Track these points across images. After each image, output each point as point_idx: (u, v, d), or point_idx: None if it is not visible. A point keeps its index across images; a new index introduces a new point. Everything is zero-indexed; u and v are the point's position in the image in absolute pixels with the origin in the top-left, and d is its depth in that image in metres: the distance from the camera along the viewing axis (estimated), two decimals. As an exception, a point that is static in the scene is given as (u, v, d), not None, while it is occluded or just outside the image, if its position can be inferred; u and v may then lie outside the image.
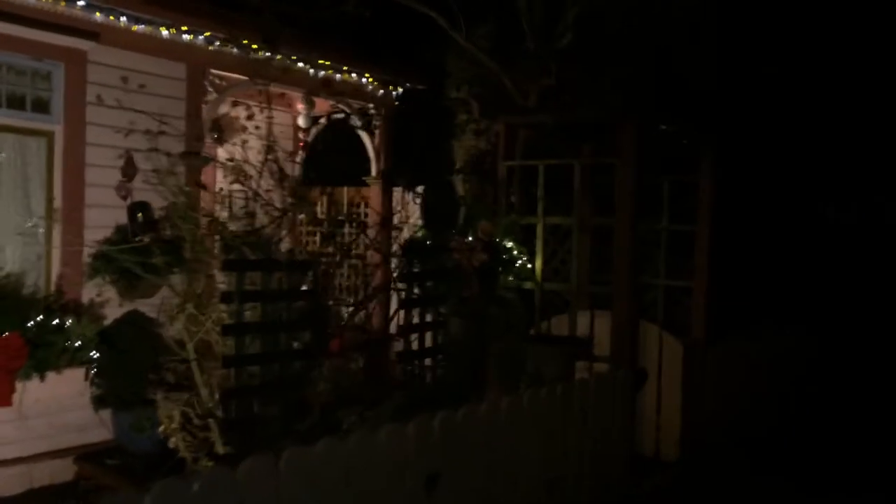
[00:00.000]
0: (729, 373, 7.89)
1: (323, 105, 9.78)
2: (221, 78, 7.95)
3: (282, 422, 3.39)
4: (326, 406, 4.62)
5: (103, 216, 6.93)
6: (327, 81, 8.60)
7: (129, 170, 7.09)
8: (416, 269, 4.51)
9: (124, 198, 6.88)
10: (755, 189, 9.06)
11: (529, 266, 6.04)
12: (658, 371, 7.15)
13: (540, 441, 4.77)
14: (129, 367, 6.49)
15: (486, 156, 7.63)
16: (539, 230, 6.20)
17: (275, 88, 8.82)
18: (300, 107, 8.66)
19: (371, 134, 9.57)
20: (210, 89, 7.87)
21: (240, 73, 8.03)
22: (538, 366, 5.42)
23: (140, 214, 7.19)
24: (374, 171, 9.61)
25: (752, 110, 7.94)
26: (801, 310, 9.49)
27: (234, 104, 7.42)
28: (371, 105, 9.52)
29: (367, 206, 9.79)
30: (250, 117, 9.79)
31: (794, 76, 8.74)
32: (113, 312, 6.90)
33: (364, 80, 9.12)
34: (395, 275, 4.52)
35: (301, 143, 8.72)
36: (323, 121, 10.37)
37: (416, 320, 5.58)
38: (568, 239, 7.83)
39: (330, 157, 10.46)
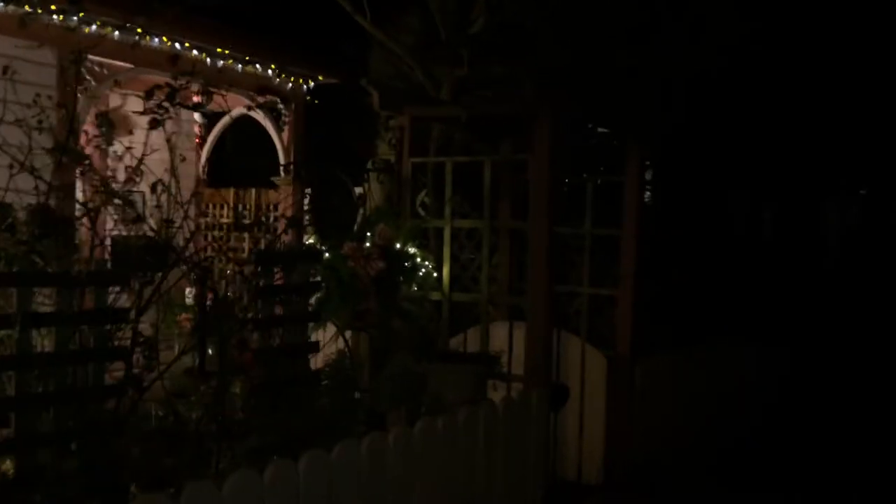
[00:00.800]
0: (663, 387, 7.37)
1: (232, 100, 9.04)
2: (101, 65, 7.16)
3: (92, 475, 2.70)
4: (206, 438, 3.93)
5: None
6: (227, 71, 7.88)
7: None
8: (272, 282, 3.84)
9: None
10: (696, 191, 8.60)
11: (436, 274, 5.42)
12: (581, 387, 6.60)
13: (439, 478, 4.14)
14: None
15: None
16: (446, 234, 5.58)
17: (165, 79, 8.05)
18: (196, 99, 7.88)
19: (279, 131, 8.85)
20: (88, 77, 7.06)
21: (122, 61, 7.30)
22: (441, 389, 4.79)
23: None
24: (283, 171, 8.90)
25: (690, 105, 7.44)
26: (749, 318, 9.05)
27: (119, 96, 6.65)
28: (279, 100, 8.81)
29: (275, 208, 9.07)
30: (145, 112, 9.07)
31: (734, 70, 8.26)
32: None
33: (270, 72, 8.41)
34: (234, 292, 3.81)
35: (197, 140, 7.96)
36: (229, 117, 9.63)
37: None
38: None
39: (239, 156, 9.74)
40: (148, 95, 3.86)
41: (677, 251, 7.98)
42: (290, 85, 8.65)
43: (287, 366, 3.74)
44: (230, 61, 7.95)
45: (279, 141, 8.83)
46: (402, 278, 5.20)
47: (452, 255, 7.25)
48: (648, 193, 8.72)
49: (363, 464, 3.62)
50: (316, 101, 9.08)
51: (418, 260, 5.29)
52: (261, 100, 8.74)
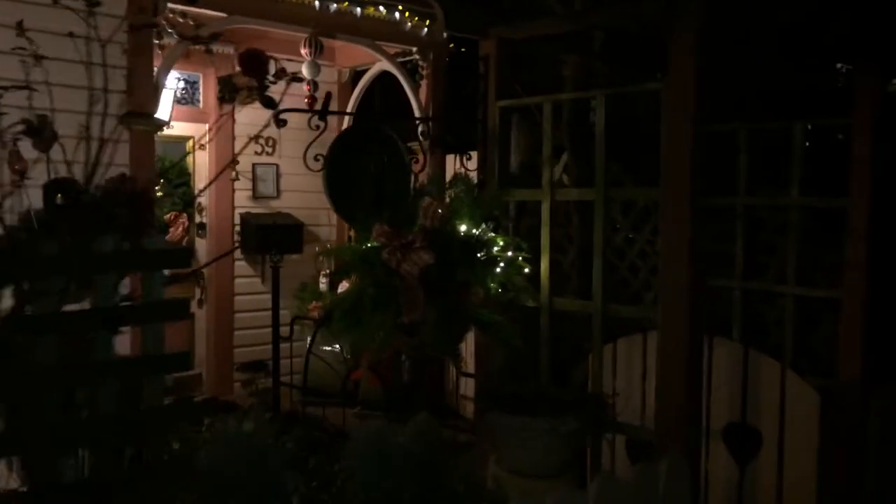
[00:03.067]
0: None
1: (357, 53, 7.74)
2: (185, 14, 6.08)
3: None
4: None
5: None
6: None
7: (42, 137, 5.40)
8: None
9: (21, 173, 5.14)
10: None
11: (527, 270, 3.67)
12: (780, 432, 4.52)
13: None
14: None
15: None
16: (544, 212, 3.79)
17: (271, 30, 6.91)
18: (304, 52, 6.63)
19: (415, 88, 7.37)
20: (170, 30, 6.00)
21: (212, 9, 6.19)
22: (509, 455, 3.07)
23: (59, 195, 5.52)
24: (420, 135, 7.42)
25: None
26: None
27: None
28: (414, 49, 7.32)
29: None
30: (279, 73, 7.98)
31: None
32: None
33: (398, 15, 6.93)
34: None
35: (308, 100, 6.70)
36: (371, 74, 8.32)
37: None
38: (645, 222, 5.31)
39: (384, 119, 8.41)
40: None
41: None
42: (426, 30, 7.12)
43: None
44: (345, 3, 6.58)
45: (415, 100, 7.36)
46: (472, 276, 3.52)
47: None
48: None
49: None
50: (462, 50, 7.49)
51: (497, 248, 3.58)
52: (391, 51, 7.33)
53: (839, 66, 4.30)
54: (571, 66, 4.66)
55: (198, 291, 7.82)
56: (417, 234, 3.35)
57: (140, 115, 5.71)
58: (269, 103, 2.39)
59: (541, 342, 3.79)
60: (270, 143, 8.09)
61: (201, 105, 7.82)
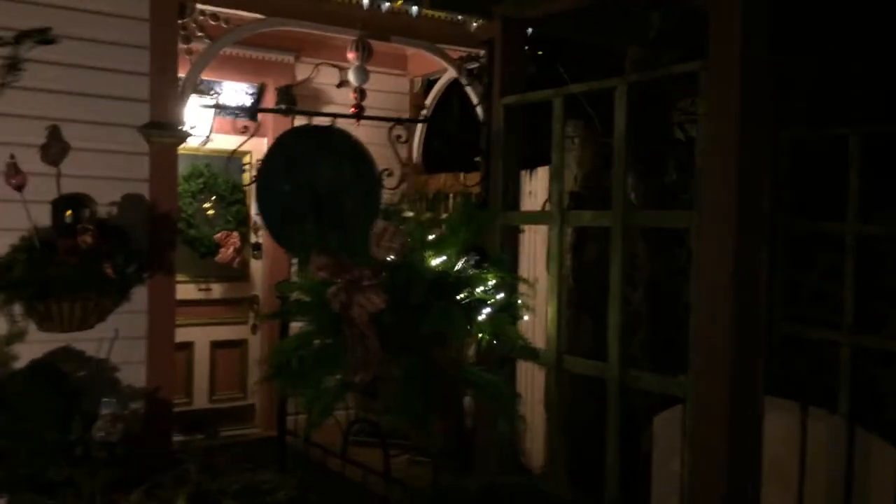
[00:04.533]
0: None
1: (430, 61, 7.01)
2: (217, 17, 5.52)
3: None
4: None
5: (11, 215, 4.80)
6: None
7: (51, 149, 4.96)
8: None
9: (19, 188, 4.67)
10: None
11: (525, 317, 2.75)
12: (897, 542, 3.37)
13: None
14: (29, 437, 4.62)
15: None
16: (552, 239, 2.86)
17: (311, 32, 6.24)
18: (350, 56, 5.94)
19: (483, 96, 6.55)
20: (200, 34, 5.45)
21: (246, 10, 5.62)
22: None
23: (69, 212, 5.07)
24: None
25: None
26: None
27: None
28: (482, 53, 6.52)
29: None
30: (341, 84, 7.35)
31: None
32: (33, 350, 4.86)
33: (461, 15, 6.13)
34: None
35: (354, 109, 6.01)
36: (440, 84, 7.59)
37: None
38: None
39: (451, 132, 7.66)
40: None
41: None
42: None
43: None
44: (399, 2, 5.85)
45: (483, 108, 6.56)
46: (448, 325, 2.68)
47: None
48: None
49: None
50: (539, 53, 6.60)
51: (483, 289, 2.71)
52: (455, 55, 6.59)
53: None
54: (629, 59, 3.73)
55: (251, 315, 7.31)
56: (367, 268, 2.54)
57: (161, 125, 5.21)
58: None
59: (550, 411, 2.87)
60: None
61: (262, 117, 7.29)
